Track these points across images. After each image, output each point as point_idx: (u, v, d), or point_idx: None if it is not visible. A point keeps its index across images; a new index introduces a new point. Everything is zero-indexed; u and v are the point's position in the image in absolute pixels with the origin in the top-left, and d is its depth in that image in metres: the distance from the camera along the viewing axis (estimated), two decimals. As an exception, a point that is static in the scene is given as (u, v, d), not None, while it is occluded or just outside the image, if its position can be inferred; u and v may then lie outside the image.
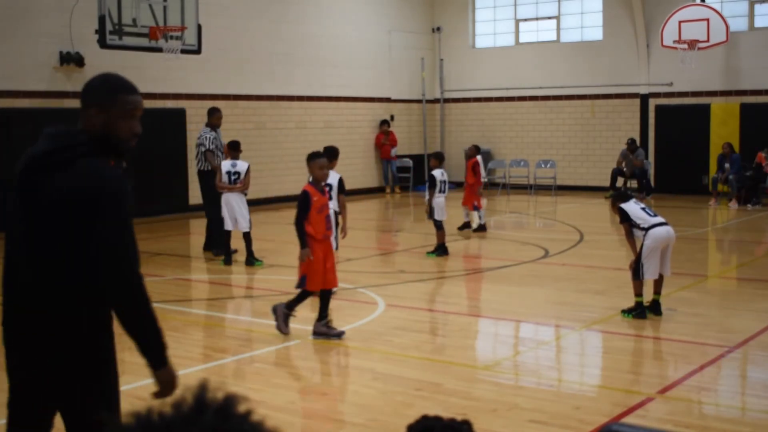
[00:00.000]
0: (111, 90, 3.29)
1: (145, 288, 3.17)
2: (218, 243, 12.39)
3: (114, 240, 3.13)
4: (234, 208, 11.82)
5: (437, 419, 1.71)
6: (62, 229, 3.15)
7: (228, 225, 11.89)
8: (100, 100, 3.27)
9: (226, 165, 11.88)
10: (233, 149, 11.93)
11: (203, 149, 12.54)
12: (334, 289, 8.25)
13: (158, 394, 3.25)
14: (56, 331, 3.19)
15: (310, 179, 8.21)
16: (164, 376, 3.25)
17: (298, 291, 7.91)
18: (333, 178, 9.84)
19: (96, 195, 3.12)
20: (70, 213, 3.12)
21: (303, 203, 7.83)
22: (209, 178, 12.41)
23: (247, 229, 11.85)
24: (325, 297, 7.85)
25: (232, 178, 11.83)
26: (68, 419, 3.33)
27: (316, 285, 7.81)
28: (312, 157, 8.07)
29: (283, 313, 7.86)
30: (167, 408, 1.19)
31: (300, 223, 7.79)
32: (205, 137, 12.55)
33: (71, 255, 3.14)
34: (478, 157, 14.83)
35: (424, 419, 1.71)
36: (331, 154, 10.17)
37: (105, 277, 3.14)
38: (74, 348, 3.22)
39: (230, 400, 1.20)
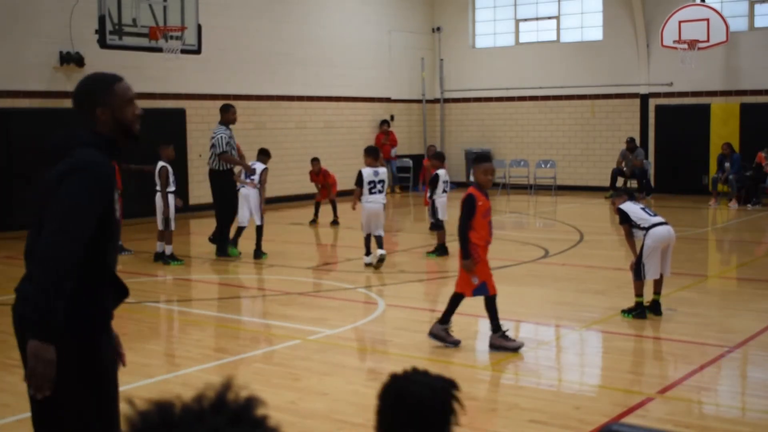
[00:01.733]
0: (106, 85, 3.47)
1: (65, 268, 3.11)
2: (222, 247, 12.56)
3: (62, 210, 3.17)
4: (251, 202, 12.55)
5: (413, 375, 1.63)
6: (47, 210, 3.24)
7: (244, 221, 12.59)
8: (101, 97, 3.44)
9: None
10: (262, 154, 12.93)
11: (217, 151, 12.22)
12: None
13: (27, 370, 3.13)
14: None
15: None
16: (32, 349, 3.10)
17: (448, 302, 7.48)
18: (383, 174, 11.39)
19: (68, 171, 3.24)
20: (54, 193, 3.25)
21: (468, 207, 7.25)
22: (219, 178, 12.45)
23: (260, 223, 12.54)
24: (492, 306, 7.37)
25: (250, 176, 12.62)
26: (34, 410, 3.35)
27: (494, 288, 7.36)
28: (478, 161, 7.47)
29: (442, 330, 7.39)
30: (188, 401, 1.18)
31: (464, 229, 7.23)
32: (219, 137, 12.25)
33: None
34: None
35: (396, 377, 1.64)
36: (373, 153, 11.53)
37: (39, 243, 3.15)
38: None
39: (250, 403, 1.20)
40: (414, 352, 7.46)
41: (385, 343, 7.69)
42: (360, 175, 11.41)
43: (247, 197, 12.56)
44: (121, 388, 6.45)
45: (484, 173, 7.34)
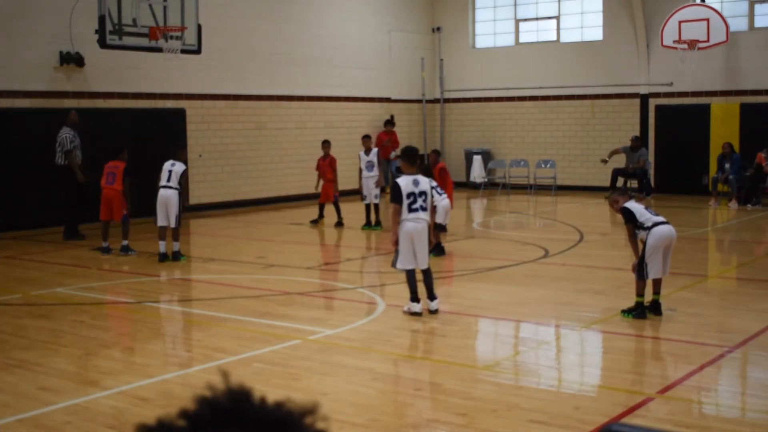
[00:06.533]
0: None
1: None
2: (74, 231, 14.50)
3: None
4: (170, 205, 12.44)
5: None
6: None
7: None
8: None
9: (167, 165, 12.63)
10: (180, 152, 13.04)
11: (64, 148, 14.32)
12: None
13: None
14: None
15: None
16: None
17: None
18: (425, 184, 8.63)
19: None
20: None
21: None
22: (66, 173, 14.33)
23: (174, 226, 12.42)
24: None
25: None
26: None
27: None
28: None
29: None
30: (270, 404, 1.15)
31: None
32: (65, 137, 14.33)
33: None
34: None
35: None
36: (409, 156, 8.80)
37: None
38: None
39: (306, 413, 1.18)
40: (414, 352, 7.46)
41: (385, 343, 7.69)
42: (396, 188, 8.54)
43: (167, 199, 12.29)
44: (122, 388, 6.48)
45: None
